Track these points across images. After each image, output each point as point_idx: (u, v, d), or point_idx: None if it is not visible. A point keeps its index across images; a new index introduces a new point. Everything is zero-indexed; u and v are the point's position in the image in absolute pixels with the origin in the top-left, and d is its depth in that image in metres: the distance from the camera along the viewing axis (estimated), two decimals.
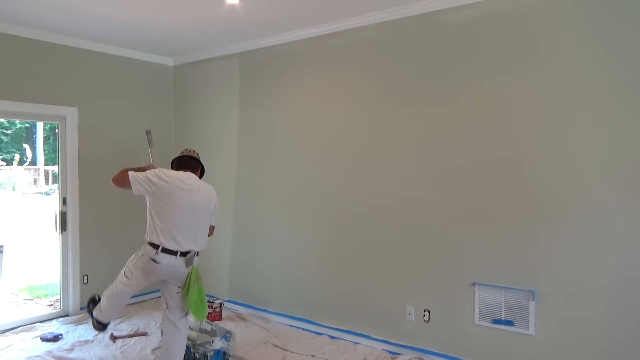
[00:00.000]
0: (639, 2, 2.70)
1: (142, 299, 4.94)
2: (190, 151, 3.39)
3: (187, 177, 3.12)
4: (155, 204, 3.02)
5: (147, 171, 3.03)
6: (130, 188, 2.98)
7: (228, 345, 3.40)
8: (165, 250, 2.96)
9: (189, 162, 3.28)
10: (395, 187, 3.65)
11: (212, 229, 3.31)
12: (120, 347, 3.75)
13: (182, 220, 2.99)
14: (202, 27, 4.10)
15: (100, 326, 3.39)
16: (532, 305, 3.06)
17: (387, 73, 3.68)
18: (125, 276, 3.15)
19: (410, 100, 3.57)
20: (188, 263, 3.03)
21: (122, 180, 3.00)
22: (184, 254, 3.01)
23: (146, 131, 3.72)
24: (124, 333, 4.03)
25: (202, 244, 3.13)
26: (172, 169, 3.30)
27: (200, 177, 3.37)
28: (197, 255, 3.12)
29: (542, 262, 3.03)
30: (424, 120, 3.51)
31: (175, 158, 3.37)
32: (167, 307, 3.10)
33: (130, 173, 2.99)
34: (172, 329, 3.09)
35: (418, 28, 3.51)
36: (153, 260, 2.97)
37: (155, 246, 2.97)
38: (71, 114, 4.45)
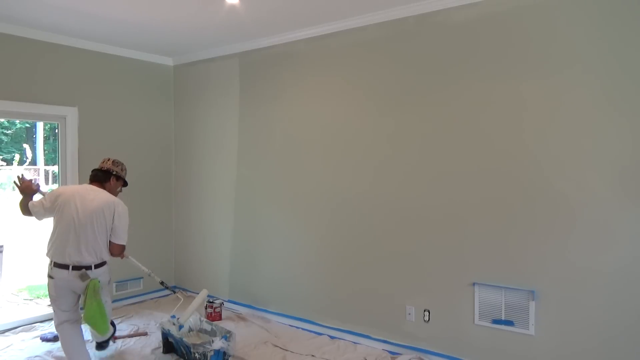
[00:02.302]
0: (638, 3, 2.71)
1: (142, 299, 4.91)
2: (104, 161, 3.37)
3: (84, 189, 3.15)
4: (53, 221, 3.08)
5: (46, 195, 3.14)
6: (37, 218, 3.11)
7: (228, 345, 3.40)
8: (57, 265, 2.99)
9: (95, 175, 3.32)
10: (396, 186, 3.65)
11: (118, 247, 3.17)
12: (120, 347, 3.75)
13: (69, 234, 3.00)
14: (202, 27, 4.10)
15: None
16: (532, 305, 3.06)
17: (387, 73, 3.68)
18: (53, 310, 3.16)
19: (411, 99, 3.57)
20: (82, 277, 3.00)
21: (24, 211, 3.15)
22: (76, 267, 2.99)
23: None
24: (124, 333, 4.03)
25: (99, 255, 3.06)
26: None
27: (124, 185, 3.42)
28: (97, 268, 3.06)
29: (542, 262, 3.03)
30: (424, 120, 3.51)
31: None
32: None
33: (30, 204, 3.11)
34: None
35: (418, 28, 3.51)
36: (49, 276, 3.02)
37: (50, 262, 3.02)
38: (71, 114, 4.45)
